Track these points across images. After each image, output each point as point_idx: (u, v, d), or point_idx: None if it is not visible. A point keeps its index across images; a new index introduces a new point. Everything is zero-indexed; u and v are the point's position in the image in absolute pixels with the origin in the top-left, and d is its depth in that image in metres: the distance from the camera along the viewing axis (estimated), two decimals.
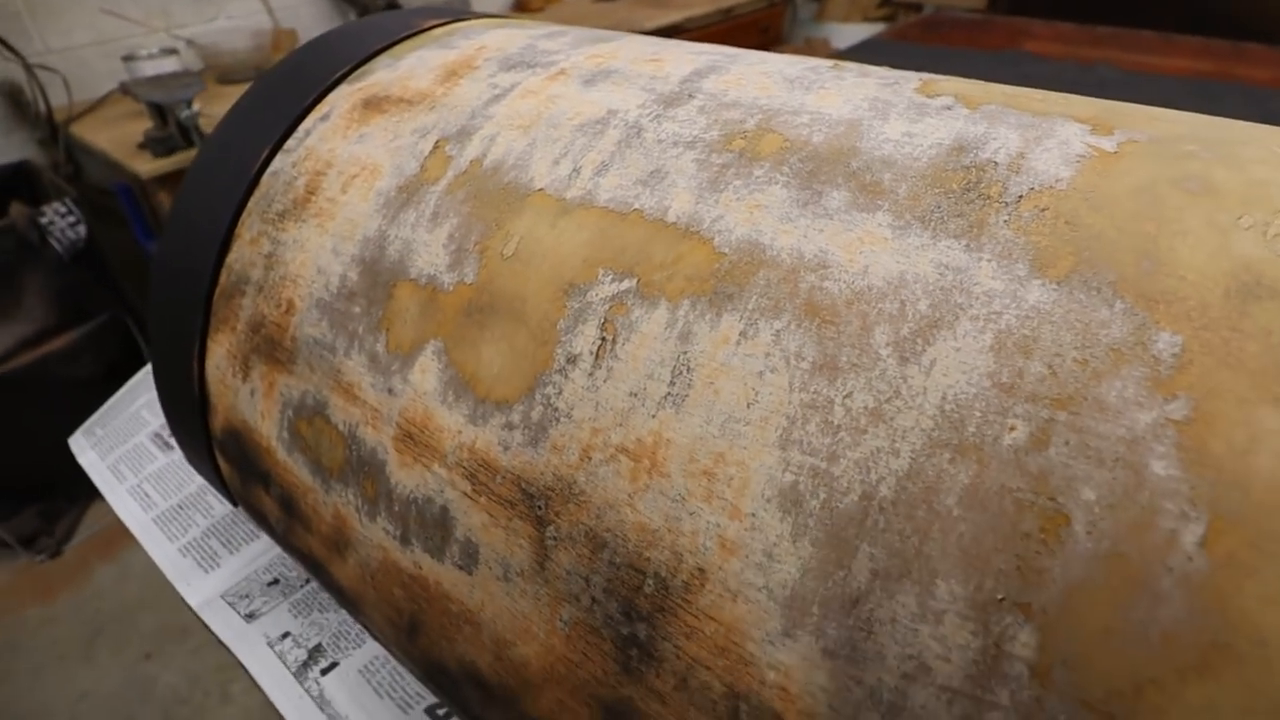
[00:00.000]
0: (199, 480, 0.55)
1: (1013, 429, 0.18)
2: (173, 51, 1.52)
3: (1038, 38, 1.66)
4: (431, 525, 0.28)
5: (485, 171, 0.31)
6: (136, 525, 0.49)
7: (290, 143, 0.38)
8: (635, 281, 0.25)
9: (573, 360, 0.25)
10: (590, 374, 0.25)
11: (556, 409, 0.25)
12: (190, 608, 0.45)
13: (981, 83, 0.29)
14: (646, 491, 0.23)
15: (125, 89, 1.33)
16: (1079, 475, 0.17)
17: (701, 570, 0.21)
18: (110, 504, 0.51)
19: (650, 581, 0.22)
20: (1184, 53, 1.54)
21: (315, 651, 0.41)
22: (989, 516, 0.18)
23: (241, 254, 0.37)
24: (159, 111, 1.25)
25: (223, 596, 0.45)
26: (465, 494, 0.27)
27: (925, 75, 0.30)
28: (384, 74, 0.39)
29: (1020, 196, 0.22)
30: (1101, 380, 0.18)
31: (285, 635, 0.41)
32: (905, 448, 0.19)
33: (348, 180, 0.34)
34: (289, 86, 0.41)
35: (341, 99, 0.38)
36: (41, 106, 1.46)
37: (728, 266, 0.24)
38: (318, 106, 0.39)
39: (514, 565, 0.25)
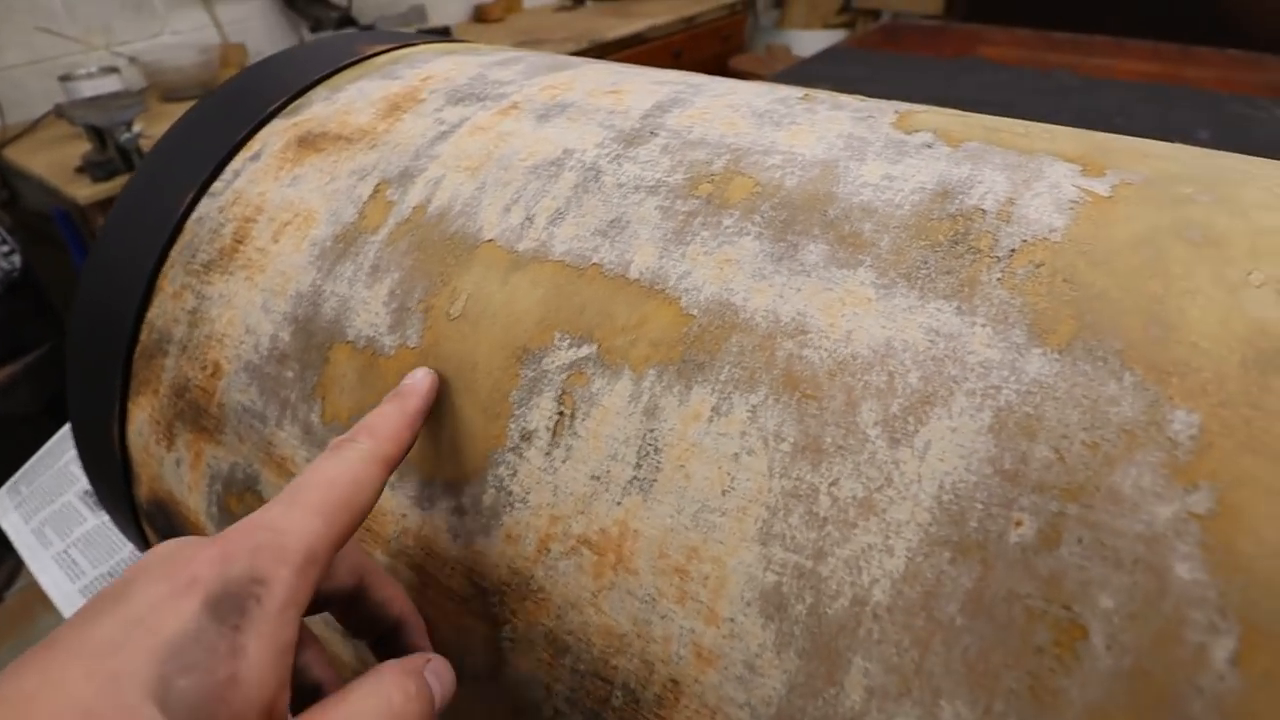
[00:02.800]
0: (131, 545, 0.51)
1: (1019, 524, 0.16)
2: (113, 70, 1.45)
3: (995, 44, 1.68)
4: None
5: (430, 219, 0.28)
6: (62, 598, 0.45)
7: (217, 185, 0.35)
8: (595, 348, 0.23)
9: (528, 437, 0.23)
10: (547, 453, 0.22)
11: (510, 492, 0.22)
12: None
13: (959, 114, 0.28)
14: (612, 590, 0.20)
15: (61, 111, 1.26)
16: (1095, 579, 0.16)
17: (675, 682, 0.19)
18: (34, 574, 0.47)
19: (619, 693, 0.20)
20: (1135, 56, 1.57)
21: None
22: (997, 627, 0.16)
23: (164, 309, 0.34)
24: (98, 134, 1.20)
25: None
26: (411, 586, 0.24)
27: (901, 106, 0.28)
28: (321, 108, 0.36)
29: (1013, 250, 0.20)
30: (1115, 467, 0.16)
31: None
32: (900, 545, 0.17)
33: (279, 228, 0.32)
34: (217, 122, 0.38)
35: (274, 136, 0.35)
36: None
37: (697, 331, 0.21)
38: (248, 144, 0.36)
39: (466, 667, 0.23)
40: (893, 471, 0.18)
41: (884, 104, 0.29)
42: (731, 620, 0.18)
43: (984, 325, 0.19)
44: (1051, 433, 0.17)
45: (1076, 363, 0.18)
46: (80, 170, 1.22)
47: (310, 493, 0.18)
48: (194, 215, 0.35)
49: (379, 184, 0.30)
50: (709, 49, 2.19)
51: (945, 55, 1.62)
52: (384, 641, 0.22)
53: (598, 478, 0.21)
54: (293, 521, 0.17)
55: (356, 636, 0.22)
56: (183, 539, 0.17)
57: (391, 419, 0.22)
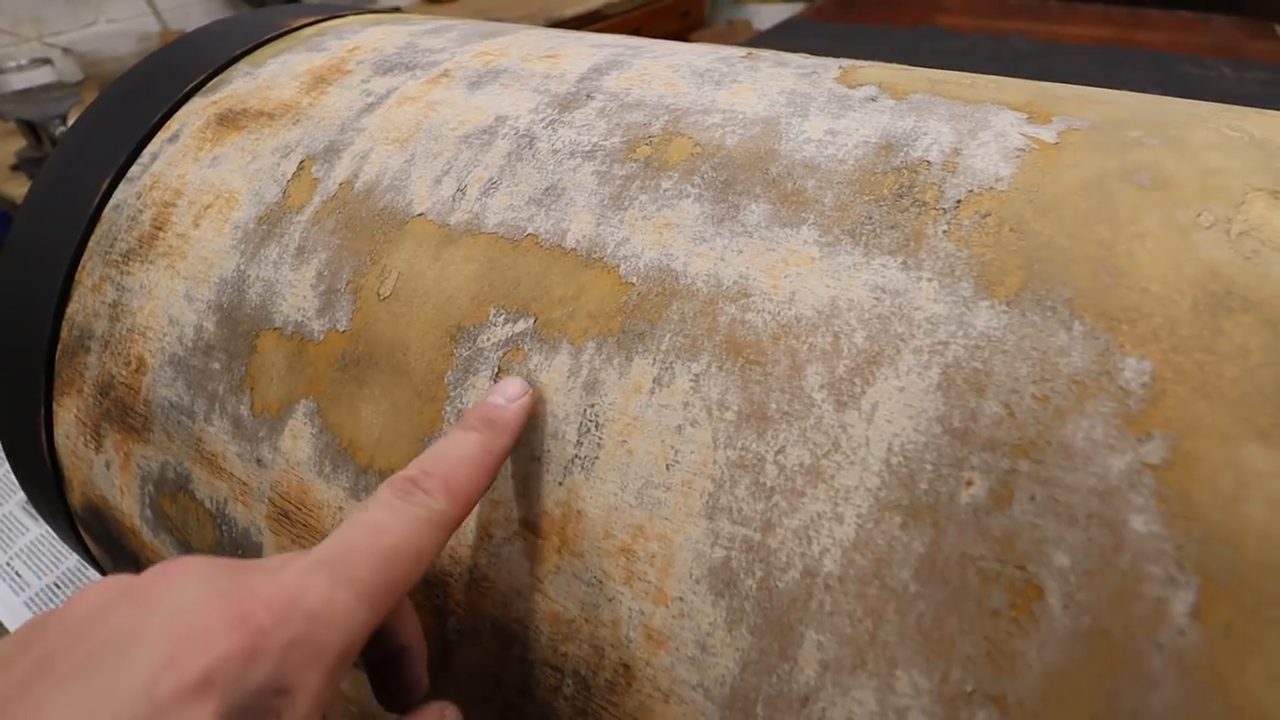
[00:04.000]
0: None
1: (970, 484, 0.16)
2: (45, 61, 1.39)
3: (950, 11, 1.68)
4: None
5: (357, 195, 0.26)
6: (7, 612, 0.43)
7: (134, 169, 0.33)
8: (532, 321, 0.21)
9: None
10: None
11: None
12: None
13: (905, 68, 0.27)
14: (558, 574, 0.19)
15: None
16: (1049, 537, 0.15)
17: (627, 666, 0.18)
18: None
19: (570, 681, 0.19)
20: (1087, 21, 1.58)
21: None
22: (951, 592, 0.15)
23: (83, 303, 0.31)
24: (31, 129, 1.14)
25: None
26: None
27: (845, 62, 0.27)
28: (242, 83, 0.34)
29: (959, 201, 0.19)
30: (1065, 420, 0.16)
31: None
32: (850, 512, 0.16)
33: (200, 211, 0.30)
34: (133, 103, 0.36)
35: (192, 115, 0.33)
36: None
37: (636, 300, 0.20)
38: (165, 125, 0.34)
39: None
40: (840, 436, 0.17)
41: (829, 61, 0.28)
42: (681, 599, 0.18)
43: (930, 280, 0.18)
44: (1001, 387, 0.16)
45: (1025, 314, 0.17)
46: (15, 168, 1.16)
47: (363, 567, 0.15)
48: (111, 202, 0.33)
49: (303, 160, 0.29)
50: (669, 25, 2.15)
51: (902, 24, 1.62)
52: (384, 665, 0.19)
53: (538, 458, 0.20)
54: (337, 609, 0.14)
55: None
56: (208, 562, 0.15)
57: (475, 467, 0.18)
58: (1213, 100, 0.24)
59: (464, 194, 0.25)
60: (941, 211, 0.19)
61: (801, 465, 0.17)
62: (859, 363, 0.18)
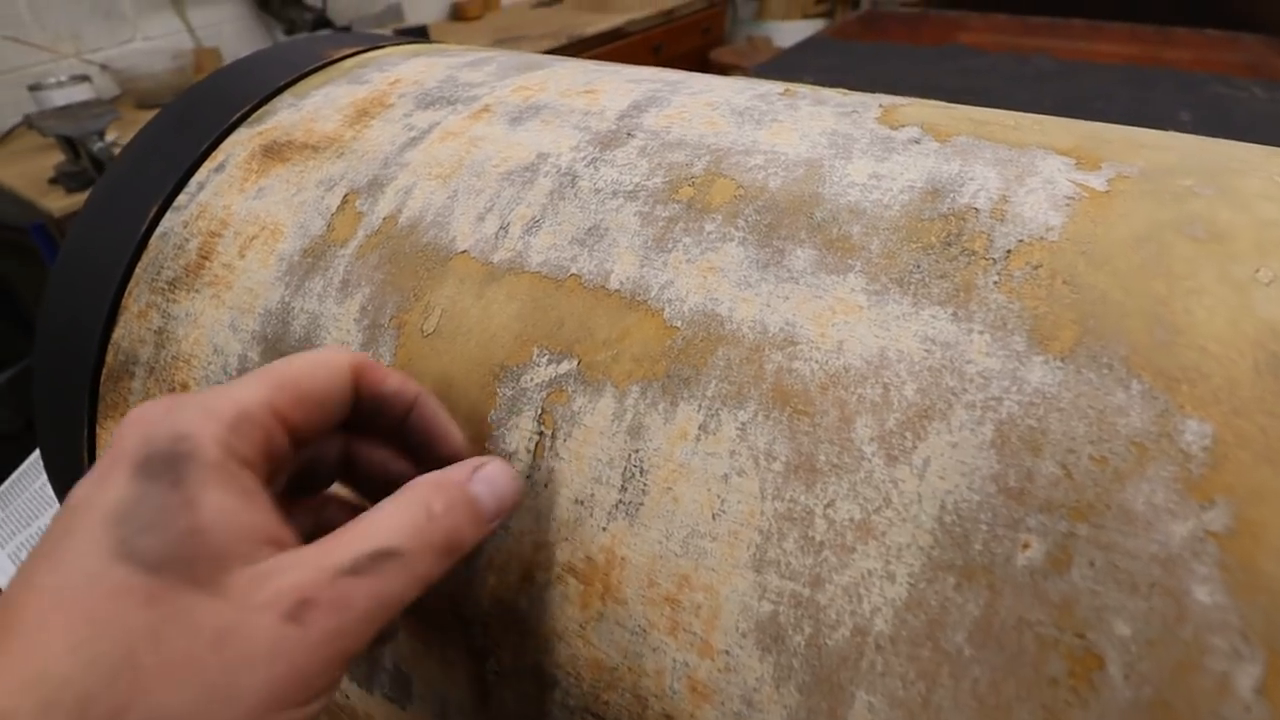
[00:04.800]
0: None
1: (1027, 546, 0.16)
2: (84, 79, 1.43)
3: (973, 30, 1.68)
4: None
5: (400, 230, 0.27)
6: None
7: (181, 198, 0.34)
8: (576, 363, 0.21)
9: (508, 460, 0.21)
10: (529, 476, 0.21)
11: None
12: None
13: (946, 106, 0.27)
14: (600, 621, 0.19)
15: (31, 122, 1.24)
16: (1109, 605, 0.15)
17: (670, 718, 0.18)
18: None
19: None
20: (1113, 39, 1.57)
21: None
22: (1007, 657, 0.15)
23: (129, 329, 0.32)
24: (70, 144, 1.17)
25: None
26: None
27: (885, 100, 0.27)
28: (286, 115, 0.34)
29: (1009, 251, 0.19)
30: (1125, 483, 0.15)
31: None
32: (902, 570, 0.16)
33: (245, 242, 0.30)
34: (180, 132, 0.36)
35: (238, 146, 0.34)
36: None
37: (681, 344, 0.20)
38: (212, 155, 0.35)
39: (452, 701, 0.22)
40: (891, 491, 0.17)
41: (867, 98, 0.28)
42: (727, 653, 0.17)
43: (982, 332, 0.18)
44: (1057, 447, 0.16)
45: (1081, 371, 0.17)
46: (54, 181, 1.19)
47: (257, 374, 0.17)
48: (158, 231, 0.34)
49: (347, 194, 0.29)
50: (689, 42, 2.17)
51: (925, 43, 1.62)
52: (405, 425, 0.20)
53: (581, 502, 0.20)
54: (221, 390, 0.17)
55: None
56: None
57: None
58: (1245, 122, 0.24)
59: (507, 232, 0.25)
60: (992, 262, 0.19)
61: (852, 520, 0.17)
62: (910, 416, 0.17)
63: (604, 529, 0.20)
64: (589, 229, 0.24)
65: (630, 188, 0.24)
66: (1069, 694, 0.14)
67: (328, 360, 0.19)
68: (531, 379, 0.22)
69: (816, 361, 0.19)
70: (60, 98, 1.35)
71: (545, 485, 0.21)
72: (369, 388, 0.20)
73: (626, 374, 0.21)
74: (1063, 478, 0.16)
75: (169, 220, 0.33)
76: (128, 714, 0.12)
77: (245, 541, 0.15)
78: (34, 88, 1.36)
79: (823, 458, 0.18)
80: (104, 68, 1.57)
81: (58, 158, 1.23)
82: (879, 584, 0.16)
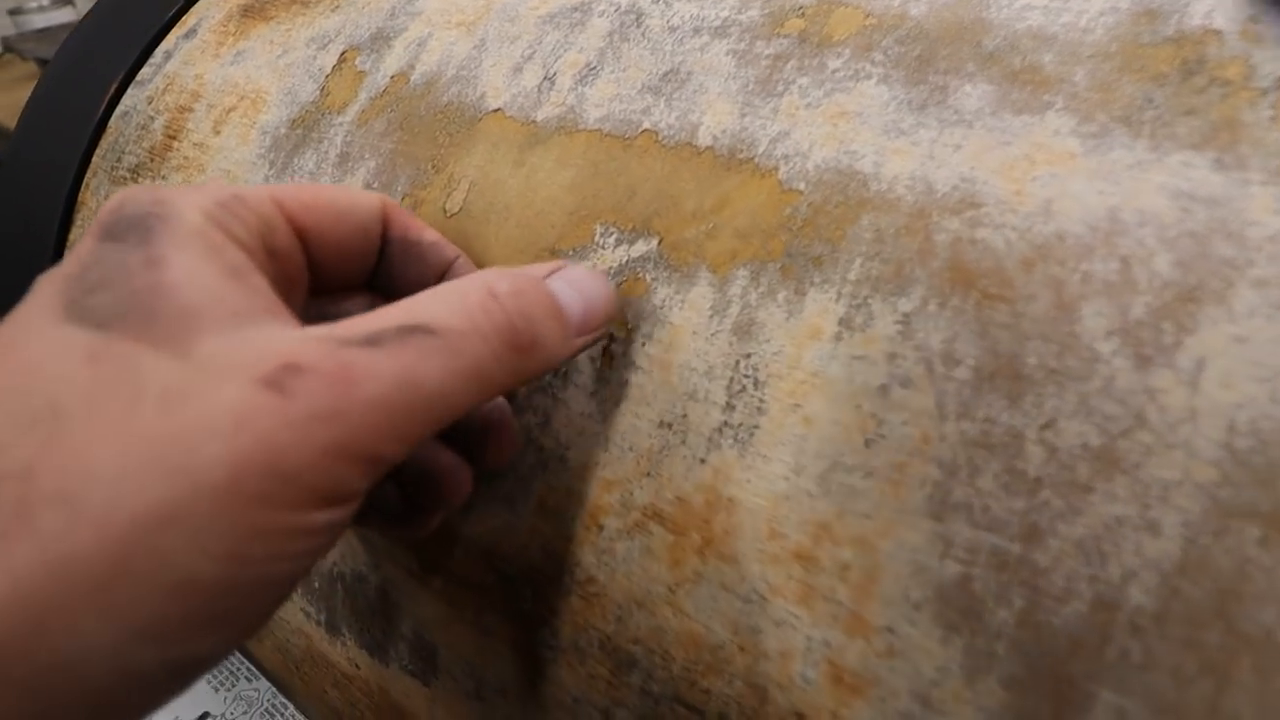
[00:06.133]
0: None
1: None
2: (66, 2, 1.34)
3: None
4: (367, 613, 0.19)
5: (413, 89, 0.21)
6: None
7: (145, 71, 0.28)
8: (656, 243, 0.16)
9: (564, 372, 0.16)
10: (593, 393, 0.16)
11: (542, 448, 0.16)
12: None
13: None
14: (698, 584, 0.14)
15: (10, 45, 1.16)
16: None
17: (802, 718, 0.13)
18: None
19: None
20: None
21: None
22: None
23: (87, 228, 0.27)
24: None
25: None
26: (410, 572, 0.18)
27: None
28: None
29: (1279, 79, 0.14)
30: None
31: (203, 717, 0.33)
32: (1171, 519, 0.11)
33: (221, 116, 0.24)
34: None
35: (212, 8, 0.28)
36: None
37: (807, 212, 0.15)
38: (181, 20, 0.28)
39: (490, 680, 0.17)
40: (1146, 406, 0.12)
41: None
42: (890, 630, 0.12)
43: (1263, 184, 0.12)
44: None
45: None
46: None
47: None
48: (118, 110, 0.28)
49: (345, 52, 0.23)
50: None
51: None
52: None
53: (669, 425, 0.15)
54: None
55: None
56: None
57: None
58: None
59: (553, 84, 0.19)
60: (1260, 93, 0.13)
61: (1085, 447, 0.12)
62: (1167, 300, 0.12)
63: (703, 461, 0.14)
64: (665, 74, 0.18)
65: (716, 23, 0.19)
66: None
67: (352, 189, 0.16)
68: (595, 265, 0.16)
69: (1013, 228, 0.13)
70: (41, 21, 1.26)
71: (618, 404, 0.15)
72: (401, 232, 0.16)
73: (729, 254, 0.15)
74: None
75: (131, 97, 0.28)
76: (40, 466, 0.10)
77: (223, 309, 0.11)
78: (14, 11, 1.28)
79: (1033, 360, 0.12)
80: None
81: None
82: (1134, 537, 0.11)
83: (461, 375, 0.12)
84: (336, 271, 0.15)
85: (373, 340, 0.11)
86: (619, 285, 0.16)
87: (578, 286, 0.14)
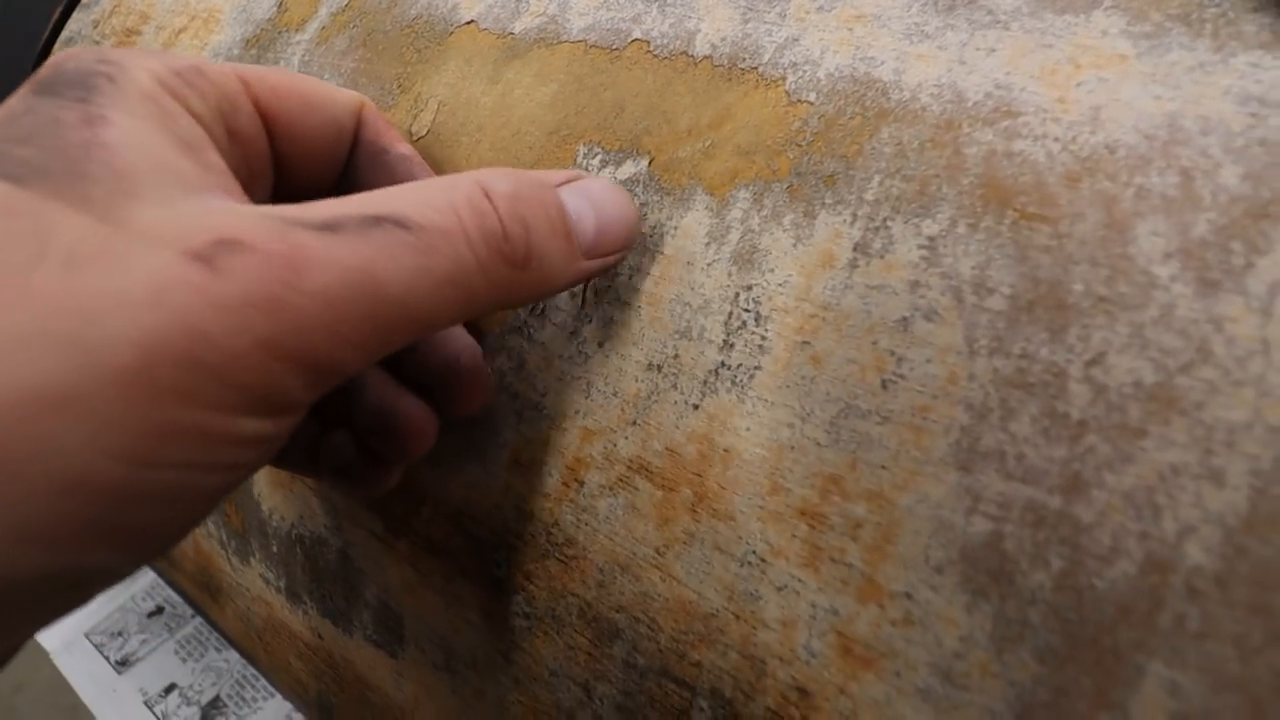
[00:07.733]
0: None
1: None
2: None
3: None
4: (328, 579, 0.18)
5: (379, 3, 0.19)
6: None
7: None
8: (646, 163, 0.14)
9: (540, 309, 0.14)
10: (572, 332, 0.14)
11: (516, 394, 0.15)
12: (46, 653, 0.34)
13: None
14: (689, 544, 0.13)
15: None
16: None
17: (804, 693, 0.12)
18: None
19: (705, 704, 0.12)
20: None
21: (211, 708, 0.30)
22: None
23: None
24: None
25: (88, 635, 0.34)
26: (374, 535, 0.17)
27: None
28: None
29: None
30: None
31: (170, 689, 0.31)
32: (1238, 467, 0.09)
33: (171, 38, 0.22)
34: None
35: None
36: None
37: (818, 125, 0.13)
38: None
39: (460, 651, 0.16)
40: (1211, 338, 0.10)
41: None
42: (908, 596, 0.11)
43: None
44: None
45: None
46: None
47: None
48: (62, 36, 0.26)
49: None
50: None
51: None
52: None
53: (658, 367, 0.13)
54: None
55: None
56: None
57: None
58: None
59: None
60: None
61: (1138, 385, 0.10)
62: (1236, 217, 0.10)
63: (696, 407, 0.13)
64: None
65: None
66: None
67: (329, 84, 0.14)
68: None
69: (1055, 139, 0.12)
70: None
71: (600, 343, 0.14)
72: (372, 136, 0.14)
73: (728, 174, 0.13)
74: None
75: (76, 21, 0.25)
76: None
77: (166, 178, 0.10)
78: None
79: (1079, 287, 0.11)
80: None
81: None
82: (1193, 488, 0.10)
83: (435, 280, 0.10)
84: (303, 169, 0.14)
85: (330, 225, 0.10)
86: None
87: (593, 200, 0.12)
